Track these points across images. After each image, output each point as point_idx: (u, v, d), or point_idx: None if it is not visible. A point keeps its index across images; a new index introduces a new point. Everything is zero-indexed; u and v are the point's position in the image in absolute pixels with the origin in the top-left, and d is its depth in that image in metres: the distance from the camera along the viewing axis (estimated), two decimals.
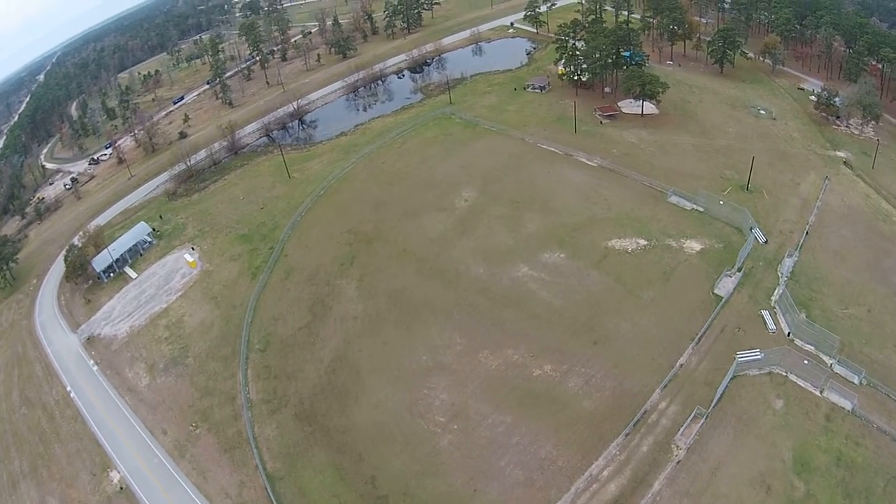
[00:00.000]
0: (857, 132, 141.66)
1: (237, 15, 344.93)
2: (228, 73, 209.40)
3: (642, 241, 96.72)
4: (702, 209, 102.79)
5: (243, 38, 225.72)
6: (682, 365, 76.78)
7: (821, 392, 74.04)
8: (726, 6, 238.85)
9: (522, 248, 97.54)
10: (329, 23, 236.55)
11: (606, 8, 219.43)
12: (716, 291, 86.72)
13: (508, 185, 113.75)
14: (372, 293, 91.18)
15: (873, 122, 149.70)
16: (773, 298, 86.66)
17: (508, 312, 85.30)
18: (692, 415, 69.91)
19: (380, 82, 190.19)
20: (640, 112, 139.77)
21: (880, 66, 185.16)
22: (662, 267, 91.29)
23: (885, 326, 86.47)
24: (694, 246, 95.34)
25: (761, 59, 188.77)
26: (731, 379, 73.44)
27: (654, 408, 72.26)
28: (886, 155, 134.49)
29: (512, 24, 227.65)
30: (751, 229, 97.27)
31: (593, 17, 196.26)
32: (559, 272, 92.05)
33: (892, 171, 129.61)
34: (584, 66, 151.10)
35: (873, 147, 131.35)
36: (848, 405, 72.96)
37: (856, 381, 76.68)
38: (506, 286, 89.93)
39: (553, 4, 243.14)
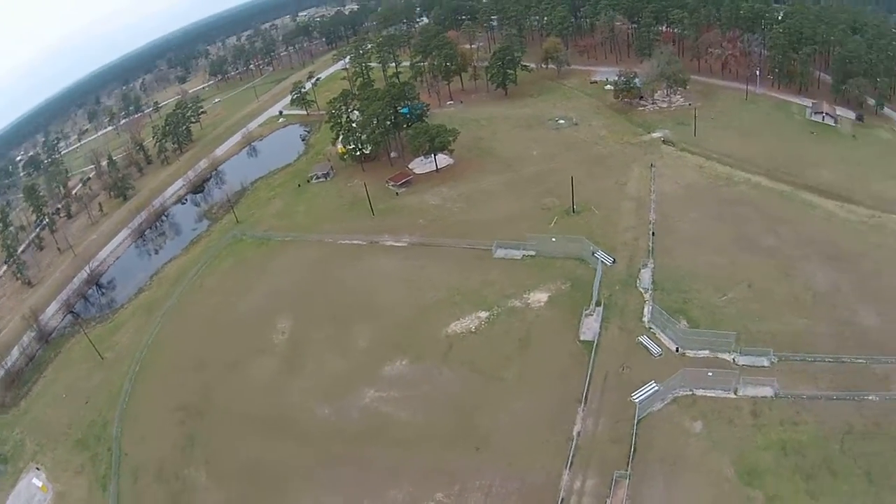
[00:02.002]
0: (665, 105, 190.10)
1: (21, 175, 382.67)
2: (21, 247, 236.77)
3: (483, 314, 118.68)
4: (534, 253, 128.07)
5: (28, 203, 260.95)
6: (579, 433, 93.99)
7: (735, 393, 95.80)
8: (494, 24, 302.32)
9: (360, 369, 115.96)
10: (104, 163, 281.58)
11: (372, 65, 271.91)
12: (582, 338, 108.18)
13: (322, 300, 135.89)
14: (225, 477, 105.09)
15: (680, 89, 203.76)
16: (645, 319, 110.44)
17: (372, 449, 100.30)
18: (613, 482, 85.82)
19: (164, 218, 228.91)
20: (435, 167, 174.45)
21: (672, 30, 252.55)
22: (515, 335, 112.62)
23: (772, 294, 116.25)
24: (540, 298, 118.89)
25: (544, 66, 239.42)
26: (638, 424, 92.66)
27: (569, 492, 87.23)
28: (704, 116, 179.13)
29: (281, 112, 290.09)
30: (594, 254, 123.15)
31: (361, 80, 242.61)
32: (408, 383, 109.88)
33: (716, 129, 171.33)
34: (363, 137, 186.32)
35: (689, 115, 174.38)
36: (769, 391, 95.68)
37: (766, 363, 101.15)
38: (358, 420, 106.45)
39: (317, 79, 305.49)
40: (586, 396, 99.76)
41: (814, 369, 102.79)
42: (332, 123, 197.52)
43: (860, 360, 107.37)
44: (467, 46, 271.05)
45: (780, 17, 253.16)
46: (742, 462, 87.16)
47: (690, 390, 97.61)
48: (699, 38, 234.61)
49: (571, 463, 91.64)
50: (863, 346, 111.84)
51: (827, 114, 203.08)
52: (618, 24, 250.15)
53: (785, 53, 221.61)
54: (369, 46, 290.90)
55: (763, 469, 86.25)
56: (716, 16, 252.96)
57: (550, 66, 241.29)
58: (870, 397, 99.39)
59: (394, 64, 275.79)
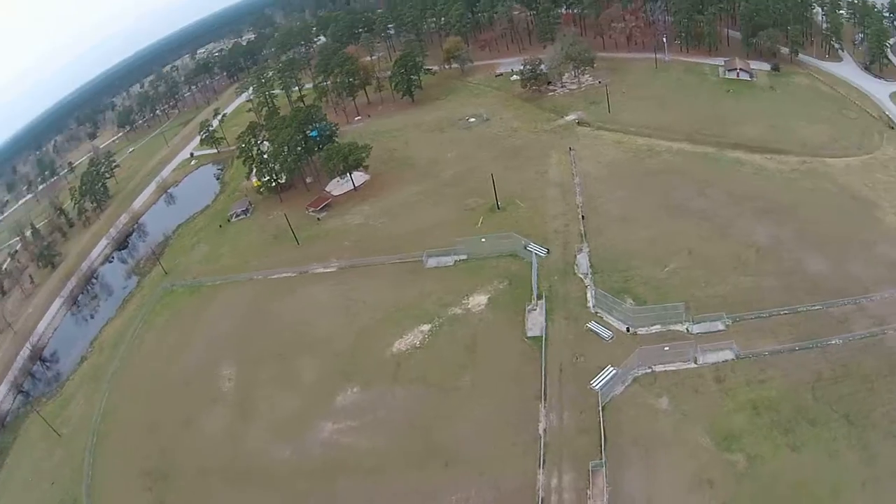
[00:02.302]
0: (575, 87, 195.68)
1: None
2: None
3: (425, 327, 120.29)
4: (465, 257, 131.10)
5: None
6: (545, 430, 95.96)
7: (696, 362, 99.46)
8: (392, 33, 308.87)
9: (312, 404, 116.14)
10: (28, 233, 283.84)
11: (275, 93, 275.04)
12: (529, 334, 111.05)
13: (261, 339, 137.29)
14: None
15: (588, 69, 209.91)
16: (590, 305, 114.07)
17: (341, 483, 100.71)
18: (590, 473, 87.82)
19: (94, 280, 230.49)
20: (353, 186, 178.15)
21: (572, 11, 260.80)
22: (461, 343, 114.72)
23: (714, 257, 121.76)
24: (480, 301, 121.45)
25: (448, 67, 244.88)
26: (603, 411, 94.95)
27: (548, 491, 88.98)
28: (616, 92, 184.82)
29: (192, 154, 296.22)
30: (526, 248, 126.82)
31: (267, 109, 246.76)
32: (363, 410, 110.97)
33: (630, 102, 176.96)
34: (277, 167, 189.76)
35: (600, 93, 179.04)
36: (729, 355, 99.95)
37: (721, 327, 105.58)
38: (320, 456, 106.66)
39: (223, 115, 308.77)
40: (545, 392, 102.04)
41: (771, 324, 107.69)
42: (243, 158, 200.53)
43: (816, 307, 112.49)
44: (368, 59, 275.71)
45: None
46: (716, 429, 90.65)
47: (649, 368, 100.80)
48: (600, 14, 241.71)
49: (544, 461, 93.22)
50: (815, 292, 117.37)
51: (741, 69, 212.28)
52: (516, 13, 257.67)
53: (690, 17, 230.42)
54: (270, 74, 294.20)
55: (738, 432, 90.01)
56: None
57: (454, 65, 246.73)
58: (833, 341, 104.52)
59: (297, 88, 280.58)
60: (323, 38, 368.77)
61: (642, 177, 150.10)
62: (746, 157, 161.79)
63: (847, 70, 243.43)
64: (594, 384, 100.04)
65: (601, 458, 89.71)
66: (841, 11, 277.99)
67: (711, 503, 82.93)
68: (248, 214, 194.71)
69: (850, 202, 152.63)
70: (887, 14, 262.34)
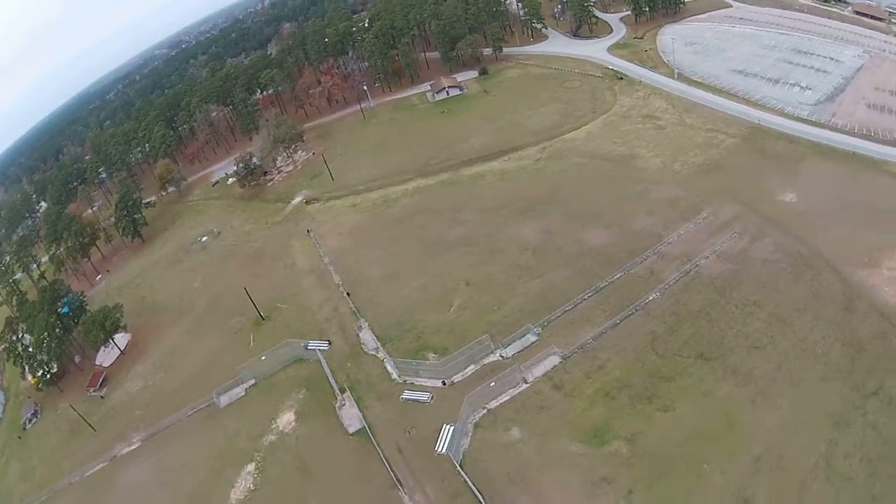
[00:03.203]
0: (292, 167, 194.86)
1: None
2: None
3: (251, 467, 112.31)
4: (254, 381, 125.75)
5: None
6: None
7: (527, 381, 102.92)
8: (104, 176, 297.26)
9: None
10: None
11: (17, 277, 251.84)
12: (351, 431, 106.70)
13: None
14: None
15: (299, 144, 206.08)
16: (395, 377, 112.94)
17: None
18: None
19: None
20: (120, 351, 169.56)
21: (268, 92, 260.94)
22: (292, 468, 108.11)
23: (493, 277, 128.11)
24: (288, 419, 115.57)
25: (165, 193, 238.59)
26: (463, 469, 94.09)
27: None
28: (333, 157, 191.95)
29: None
30: (307, 349, 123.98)
31: (16, 297, 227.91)
32: None
33: (350, 161, 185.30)
34: (44, 358, 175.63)
35: (318, 164, 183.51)
36: (556, 360, 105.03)
37: (534, 338, 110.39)
38: None
39: None
40: (398, 479, 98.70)
41: (581, 313, 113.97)
42: (11, 359, 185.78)
43: (618, 276, 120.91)
44: (90, 212, 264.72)
45: (367, 25, 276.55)
46: (581, 431, 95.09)
47: (484, 409, 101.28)
48: (296, 86, 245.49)
49: None
50: (610, 262, 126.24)
51: (449, 87, 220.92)
52: (214, 114, 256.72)
53: (384, 55, 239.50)
54: (7, 259, 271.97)
55: (603, 423, 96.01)
56: (304, 57, 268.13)
57: (171, 189, 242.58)
58: (651, 297, 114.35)
59: (36, 265, 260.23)
60: (44, 204, 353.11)
61: (390, 229, 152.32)
62: (485, 168, 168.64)
63: (556, 44, 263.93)
64: (440, 449, 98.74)
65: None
66: None
67: (619, 499, 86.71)
68: (39, 416, 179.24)
69: (606, 165, 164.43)
70: None
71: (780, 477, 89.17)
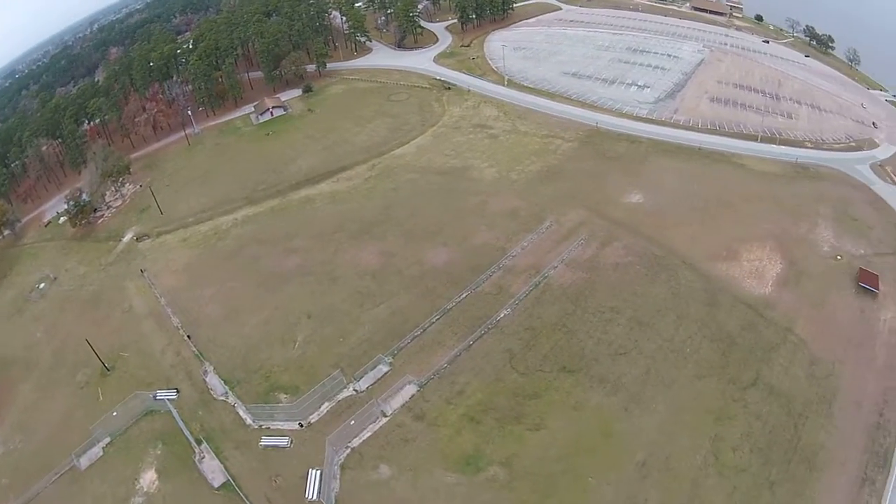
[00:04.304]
0: (120, 202, 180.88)
1: None
2: None
3: None
4: (109, 438, 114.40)
5: None
6: None
7: (386, 415, 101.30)
8: None
9: None
10: None
11: None
12: (216, 485, 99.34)
13: None
14: None
15: (126, 176, 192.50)
16: (249, 423, 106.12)
17: None
18: None
19: None
20: None
21: (95, 122, 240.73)
22: None
23: (336, 307, 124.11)
24: (151, 478, 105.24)
25: (1, 237, 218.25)
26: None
27: None
28: (161, 188, 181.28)
29: None
30: (156, 399, 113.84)
31: None
32: None
33: (178, 192, 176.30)
34: None
35: (146, 196, 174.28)
36: (413, 389, 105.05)
37: (386, 368, 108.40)
38: None
39: None
40: None
41: (431, 337, 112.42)
42: None
43: (465, 295, 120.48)
44: None
45: (191, 46, 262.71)
46: (452, 460, 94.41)
47: (348, 448, 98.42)
48: (122, 115, 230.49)
49: None
50: (455, 282, 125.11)
51: (273, 108, 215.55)
52: (44, 148, 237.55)
53: (208, 77, 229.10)
54: None
55: (474, 449, 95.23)
56: (130, 83, 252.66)
57: (7, 232, 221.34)
58: (503, 314, 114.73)
59: None
60: None
61: (223, 263, 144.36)
62: (314, 190, 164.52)
63: (381, 57, 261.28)
64: (310, 496, 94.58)
65: None
66: (359, 4, 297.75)
67: None
68: None
69: (440, 179, 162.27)
70: None
71: (670, 479, 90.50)
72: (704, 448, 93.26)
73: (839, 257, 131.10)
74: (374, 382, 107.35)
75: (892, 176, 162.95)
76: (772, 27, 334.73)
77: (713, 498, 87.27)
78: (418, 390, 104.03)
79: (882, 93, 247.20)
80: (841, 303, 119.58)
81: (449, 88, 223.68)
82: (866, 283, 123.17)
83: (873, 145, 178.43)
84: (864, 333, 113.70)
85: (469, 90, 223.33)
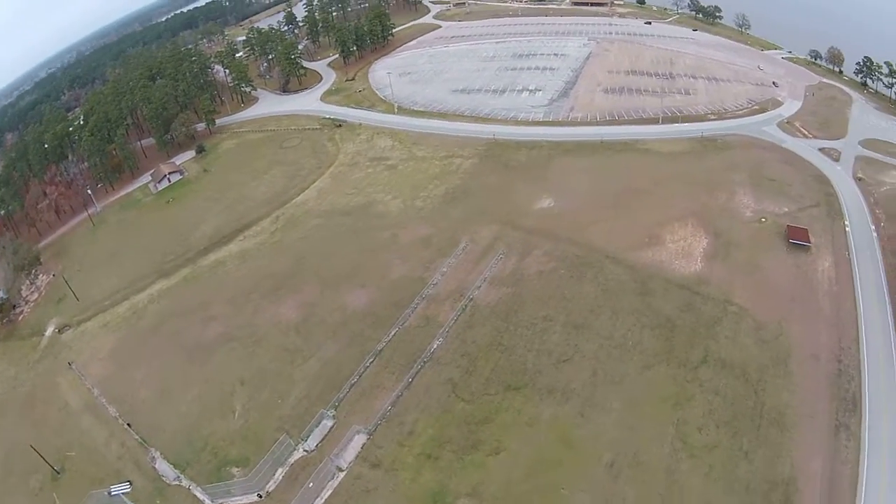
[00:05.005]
0: (37, 294, 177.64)
1: None
2: None
3: None
4: None
5: None
6: None
7: (342, 469, 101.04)
8: None
9: None
10: None
11: None
12: None
13: None
14: None
15: (38, 267, 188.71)
16: (206, 502, 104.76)
17: None
18: None
19: None
20: None
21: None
22: None
23: (266, 369, 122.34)
24: None
25: None
26: None
27: None
28: (73, 275, 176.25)
29: None
30: (111, 496, 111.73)
31: None
32: None
33: (90, 276, 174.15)
34: None
35: (58, 285, 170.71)
36: (363, 437, 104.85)
37: (331, 422, 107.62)
38: None
39: None
40: None
41: (368, 383, 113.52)
42: None
43: (394, 331, 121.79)
44: None
45: (82, 122, 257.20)
46: (417, 501, 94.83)
47: None
48: (25, 203, 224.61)
49: None
50: (380, 322, 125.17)
51: (170, 174, 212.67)
52: None
53: (102, 153, 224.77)
54: None
55: (438, 485, 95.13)
56: (28, 168, 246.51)
57: None
58: (435, 345, 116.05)
59: None
60: None
61: (146, 342, 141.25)
62: (223, 253, 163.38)
63: (268, 104, 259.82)
64: None
65: None
66: (239, 54, 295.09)
67: None
68: None
69: (346, 219, 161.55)
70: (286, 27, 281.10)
71: (642, 473, 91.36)
72: (670, 435, 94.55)
73: (763, 220, 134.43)
74: (323, 439, 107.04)
75: (802, 130, 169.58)
76: (654, 8, 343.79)
77: (691, 481, 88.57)
78: (368, 438, 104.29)
79: (778, 51, 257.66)
80: (775, 263, 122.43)
81: (340, 126, 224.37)
82: (797, 238, 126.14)
83: (777, 104, 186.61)
84: (805, 288, 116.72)
85: (360, 124, 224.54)
